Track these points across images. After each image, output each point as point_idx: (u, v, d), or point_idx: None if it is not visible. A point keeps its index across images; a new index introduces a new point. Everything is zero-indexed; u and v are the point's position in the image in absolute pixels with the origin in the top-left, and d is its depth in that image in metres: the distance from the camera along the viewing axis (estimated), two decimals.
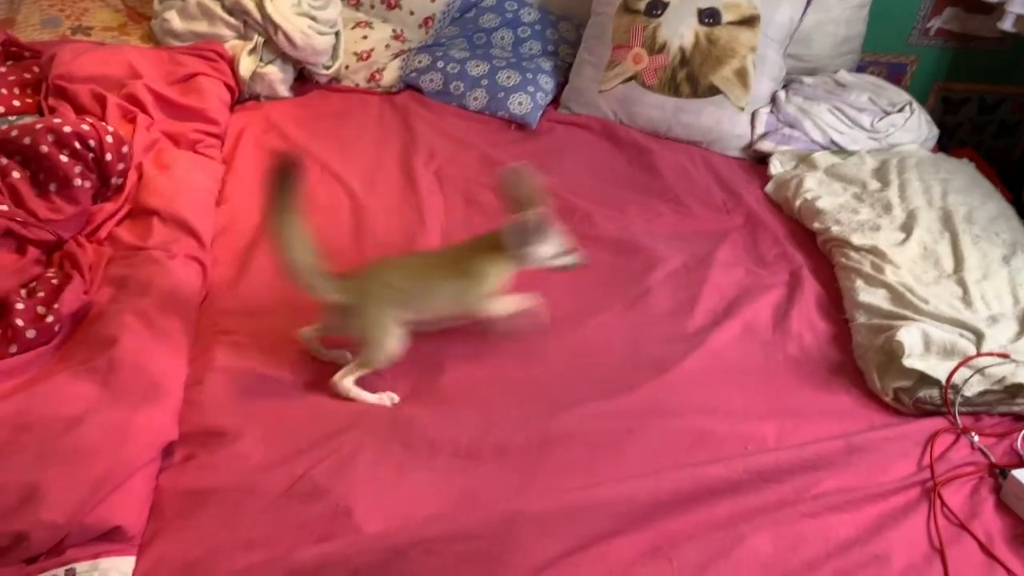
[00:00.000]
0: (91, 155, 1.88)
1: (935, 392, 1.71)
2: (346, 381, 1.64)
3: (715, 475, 1.53)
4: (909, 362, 1.70)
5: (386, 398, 1.66)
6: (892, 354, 1.73)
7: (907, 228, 2.12)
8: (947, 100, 3.12)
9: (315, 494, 1.44)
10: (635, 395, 1.70)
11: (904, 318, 1.81)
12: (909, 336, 1.72)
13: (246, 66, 2.43)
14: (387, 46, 2.68)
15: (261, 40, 2.46)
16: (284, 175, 1.53)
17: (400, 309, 1.64)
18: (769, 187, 2.39)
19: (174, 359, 1.62)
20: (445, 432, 1.59)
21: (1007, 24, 2.68)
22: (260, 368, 1.69)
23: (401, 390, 1.68)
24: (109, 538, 1.34)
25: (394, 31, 2.72)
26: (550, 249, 1.72)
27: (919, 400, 1.71)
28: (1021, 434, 1.68)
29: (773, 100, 2.59)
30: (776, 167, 2.43)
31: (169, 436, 1.49)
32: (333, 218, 2.11)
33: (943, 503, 1.54)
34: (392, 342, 1.64)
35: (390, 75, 2.63)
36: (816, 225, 2.18)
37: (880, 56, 2.99)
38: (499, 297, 1.73)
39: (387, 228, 2.09)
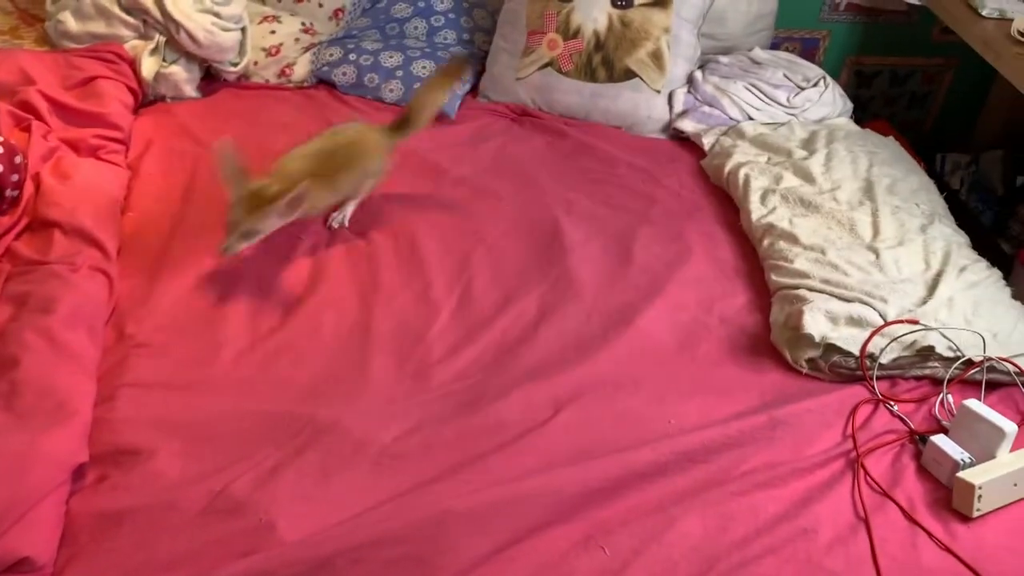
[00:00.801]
0: None
1: (849, 358, 1.74)
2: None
3: (643, 459, 1.54)
4: (822, 340, 1.73)
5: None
6: (797, 329, 1.76)
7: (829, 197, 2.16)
8: (859, 74, 3.18)
9: (235, 509, 1.40)
10: (559, 379, 1.70)
11: (809, 288, 1.84)
12: (814, 322, 1.74)
13: (148, 67, 2.33)
14: (296, 40, 2.61)
15: (163, 39, 2.36)
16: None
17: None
18: (705, 160, 2.41)
19: (81, 377, 1.55)
20: (370, 433, 1.56)
21: None
22: (174, 381, 1.64)
23: (324, 392, 1.64)
24: (17, 570, 1.28)
25: (303, 24, 2.65)
26: None
27: (834, 365, 1.75)
28: (937, 400, 1.73)
29: (690, 80, 2.60)
30: (708, 142, 2.44)
31: (78, 458, 1.43)
32: None
33: (866, 472, 1.57)
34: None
35: (301, 70, 2.57)
36: (740, 203, 2.20)
37: (793, 32, 3.03)
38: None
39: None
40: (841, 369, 1.75)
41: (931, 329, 1.77)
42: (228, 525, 1.38)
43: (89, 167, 2.03)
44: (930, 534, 1.48)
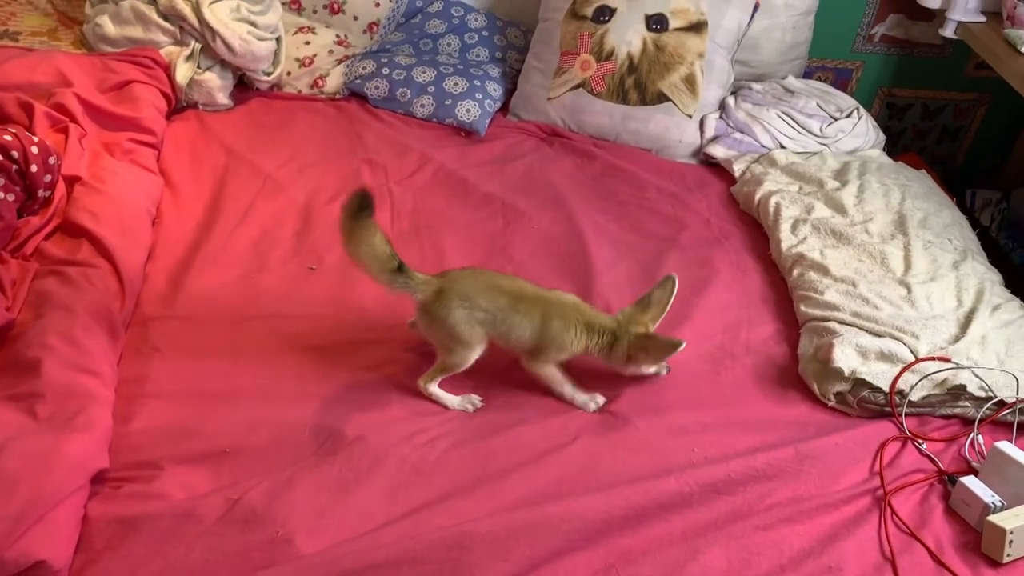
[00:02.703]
0: (15, 167, 1.79)
1: (878, 394, 1.71)
2: (431, 386, 1.65)
3: (667, 489, 1.52)
4: (851, 375, 1.71)
5: (468, 403, 1.66)
6: (827, 362, 1.74)
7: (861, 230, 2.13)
8: (891, 106, 3.16)
9: (253, 520, 1.40)
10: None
11: (839, 321, 1.82)
12: (844, 356, 1.72)
13: (183, 73, 2.34)
14: (330, 52, 2.62)
15: (198, 46, 2.38)
16: (359, 210, 1.53)
17: (478, 327, 1.61)
18: (735, 187, 2.39)
19: (101, 382, 1.54)
20: (390, 448, 1.54)
21: (948, 31, 2.72)
22: (196, 390, 1.63)
23: (347, 405, 1.63)
24: (33, 574, 1.27)
25: (337, 36, 2.66)
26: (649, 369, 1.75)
27: (863, 400, 1.72)
28: (968, 440, 1.70)
29: (722, 106, 2.59)
30: (739, 168, 2.42)
31: (98, 464, 1.42)
32: (277, 231, 2.05)
33: (893, 512, 1.54)
34: (468, 354, 1.63)
35: (334, 81, 2.57)
36: (770, 232, 2.18)
37: (827, 62, 3.02)
38: (557, 368, 1.69)
39: (332, 244, 2.02)
40: (869, 404, 1.73)
41: (963, 368, 1.74)
42: (245, 537, 1.37)
43: (124, 173, 2.04)
44: None
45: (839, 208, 2.20)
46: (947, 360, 1.75)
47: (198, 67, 2.39)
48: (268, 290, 1.88)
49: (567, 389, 1.69)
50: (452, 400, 1.66)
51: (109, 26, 2.38)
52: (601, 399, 1.70)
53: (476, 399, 1.68)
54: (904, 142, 3.22)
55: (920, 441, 1.68)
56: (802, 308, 1.92)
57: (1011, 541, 1.46)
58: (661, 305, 1.70)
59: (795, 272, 2.02)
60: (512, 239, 2.11)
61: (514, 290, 1.64)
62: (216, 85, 2.41)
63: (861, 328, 1.81)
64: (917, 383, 1.71)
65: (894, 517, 1.53)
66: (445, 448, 1.57)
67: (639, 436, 1.63)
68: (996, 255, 2.30)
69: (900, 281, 1.97)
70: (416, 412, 1.64)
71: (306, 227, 2.07)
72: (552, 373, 1.68)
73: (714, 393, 1.76)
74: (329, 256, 1.97)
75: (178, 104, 2.41)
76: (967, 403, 1.73)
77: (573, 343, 1.64)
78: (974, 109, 3.19)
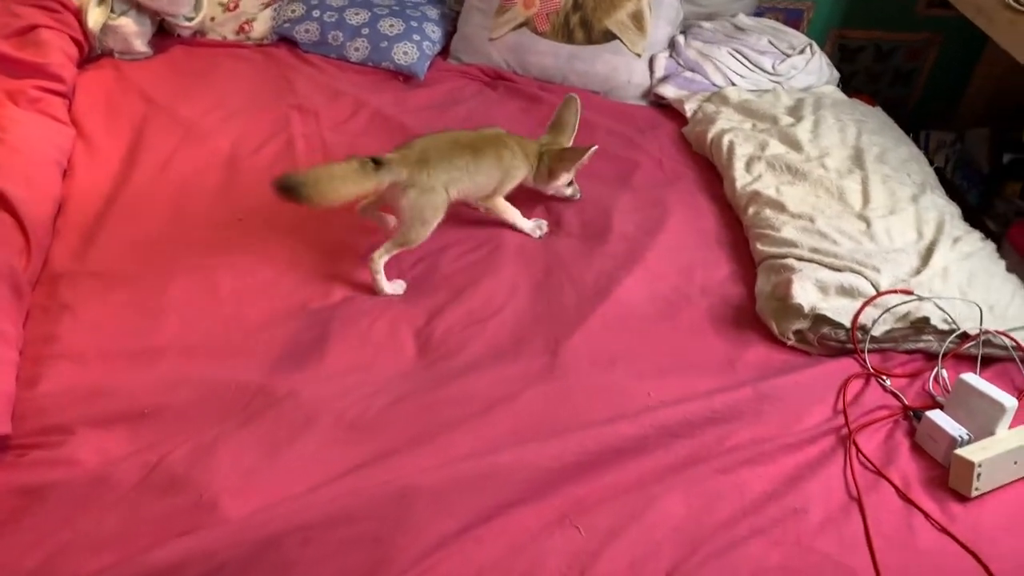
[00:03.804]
0: None
1: (840, 330, 1.65)
2: (383, 259, 1.67)
3: (622, 433, 1.44)
4: (811, 311, 1.64)
5: (399, 287, 1.71)
6: (785, 299, 1.67)
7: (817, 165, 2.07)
8: (843, 48, 3.10)
9: (173, 485, 1.29)
10: (531, 350, 1.60)
11: (798, 257, 1.76)
12: (803, 291, 1.66)
13: (95, 18, 2.18)
14: None
15: None
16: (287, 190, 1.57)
17: (454, 188, 1.71)
18: (687, 128, 2.31)
19: (3, 342, 1.41)
20: (325, 403, 1.44)
21: None
22: (111, 349, 1.51)
23: (277, 360, 1.52)
24: None
25: None
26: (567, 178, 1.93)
27: (824, 337, 1.66)
28: (932, 375, 1.64)
29: (671, 45, 2.50)
30: (690, 108, 2.34)
31: None
32: (199, 182, 1.92)
33: (858, 450, 1.48)
34: (436, 223, 1.70)
35: (261, 26, 2.43)
36: (724, 171, 2.11)
37: (777, 2, 2.94)
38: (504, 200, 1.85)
39: (260, 193, 1.90)
40: (831, 341, 1.66)
41: (926, 299, 1.68)
42: (164, 502, 1.27)
43: (29, 123, 1.89)
44: (926, 514, 1.39)
45: (794, 144, 2.14)
46: (909, 292, 1.70)
47: (111, 11, 2.23)
48: (191, 243, 1.76)
49: (518, 218, 1.86)
50: (387, 285, 1.69)
51: None
52: (545, 224, 1.89)
53: (403, 283, 1.72)
54: (856, 85, 3.16)
55: (884, 377, 1.62)
56: (758, 246, 1.85)
57: (979, 475, 1.41)
58: (571, 125, 1.92)
59: (750, 210, 1.95)
60: None
61: (467, 141, 1.77)
62: (132, 31, 2.25)
63: (820, 264, 1.75)
64: (879, 317, 1.65)
65: (859, 455, 1.47)
66: (386, 403, 1.47)
67: (593, 382, 1.55)
68: (951, 195, 2.24)
69: (859, 216, 1.91)
70: (354, 366, 1.54)
71: (232, 177, 1.96)
72: (504, 205, 1.85)
73: (669, 336, 1.68)
74: (256, 206, 1.85)
75: (92, 52, 2.26)
76: (930, 337, 1.68)
77: (521, 169, 1.84)
78: (926, 50, 3.14)
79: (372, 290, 1.70)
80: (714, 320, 1.73)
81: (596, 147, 1.85)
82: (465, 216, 1.90)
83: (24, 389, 1.40)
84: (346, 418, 1.43)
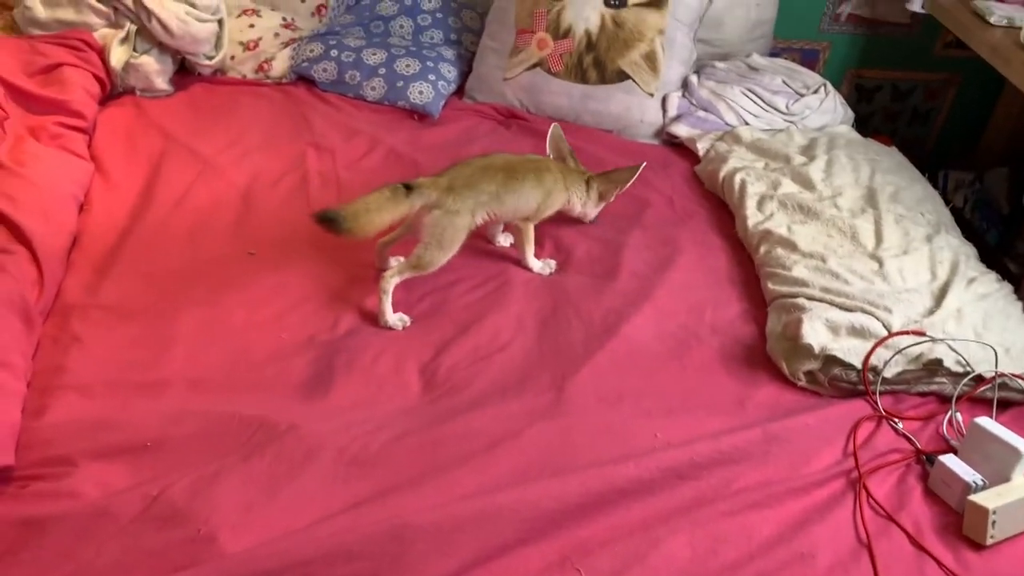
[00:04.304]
0: None
1: (851, 371, 1.63)
2: (394, 280, 1.68)
3: (626, 474, 1.41)
4: (821, 352, 1.62)
5: (401, 320, 1.69)
6: (795, 339, 1.65)
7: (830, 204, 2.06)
8: (860, 88, 3.09)
9: (173, 518, 1.28)
10: (537, 387, 1.59)
11: (808, 297, 1.74)
12: (813, 332, 1.64)
13: (117, 56, 2.23)
14: (276, 35, 2.51)
15: (133, 28, 2.26)
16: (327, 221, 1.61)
17: (480, 213, 1.74)
18: (699, 166, 2.31)
19: (11, 373, 1.42)
20: (327, 438, 1.43)
21: (916, 5, 2.66)
22: (118, 381, 1.52)
23: (280, 395, 1.52)
24: None
25: (284, 19, 2.55)
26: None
27: (835, 378, 1.63)
28: (945, 417, 1.61)
29: (685, 85, 2.50)
30: (703, 147, 2.34)
31: (2, 460, 1.29)
32: (215, 217, 1.94)
33: (869, 494, 1.45)
34: (457, 247, 1.72)
35: (280, 65, 2.46)
36: (735, 209, 2.10)
37: (792, 43, 2.95)
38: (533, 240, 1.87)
39: (273, 228, 1.92)
40: (842, 383, 1.63)
41: (939, 341, 1.65)
42: (164, 535, 1.26)
43: (48, 158, 1.92)
44: (939, 562, 1.35)
45: (807, 183, 2.12)
46: (922, 334, 1.67)
47: (134, 50, 2.28)
48: (202, 277, 1.77)
49: (531, 253, 1.87)
50: (390, 313, 1.68)
51: (39, 8, 2.26)
52: (553, 264, 1.89)
53: (407, 319, 1.71)
54: (874, 125, 3.15)
55: (896, 420, 1.59)
56: (769, 285, 1.84)
57: (994, 522, 1.37)
58: (569, 151, 1.99)
59: (762, 249, 1.94)
60: None
61: (502, 164, 1.80)
62: (154, 69, 2.29)
63: (831, 303, 1.73)
64: (891, 358, 1.62)
65: (870, 500, 1.44)
66: (389, 438, 1.46)
67: (598, 421, 1.53)
68: (970, 237, 2.21)
69: (871, 255, 1.89)
70: (358, 401, 1.54)
71: (247, 212, 1.97)
72: (531, 235, 1.86)
73: (678, 375, 1.67)
74: (269, 241, 1.87)
75: (114, 90, 2.30)
76: (944, 379, 1.65)
77: (563, 194, 1.90)
78: (944, 90, 3.13)
79: (377, 324, 1.69)
80: (724, 359, 1.71)
81: (645, 164, 1.98)
82: (475, 250, 1.90)
83: (30, 420, 1.41)
84: (348, 454, 1.41)
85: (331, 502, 1.34)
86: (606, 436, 1.50)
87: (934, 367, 1.63)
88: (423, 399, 1.56)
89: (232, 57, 2.46)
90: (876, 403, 1.61)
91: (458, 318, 1.74)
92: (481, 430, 1.48)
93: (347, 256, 1.83)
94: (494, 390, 1.57)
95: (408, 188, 1.65)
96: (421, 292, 1.79)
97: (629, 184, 1.98)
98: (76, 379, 1.50)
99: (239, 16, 2.51)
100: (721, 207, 2.19)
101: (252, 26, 2.50)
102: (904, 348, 1.63)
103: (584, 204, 1.95)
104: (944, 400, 1.64)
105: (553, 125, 2.02)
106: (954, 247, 1.95)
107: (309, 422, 1.45)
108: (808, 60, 2.96)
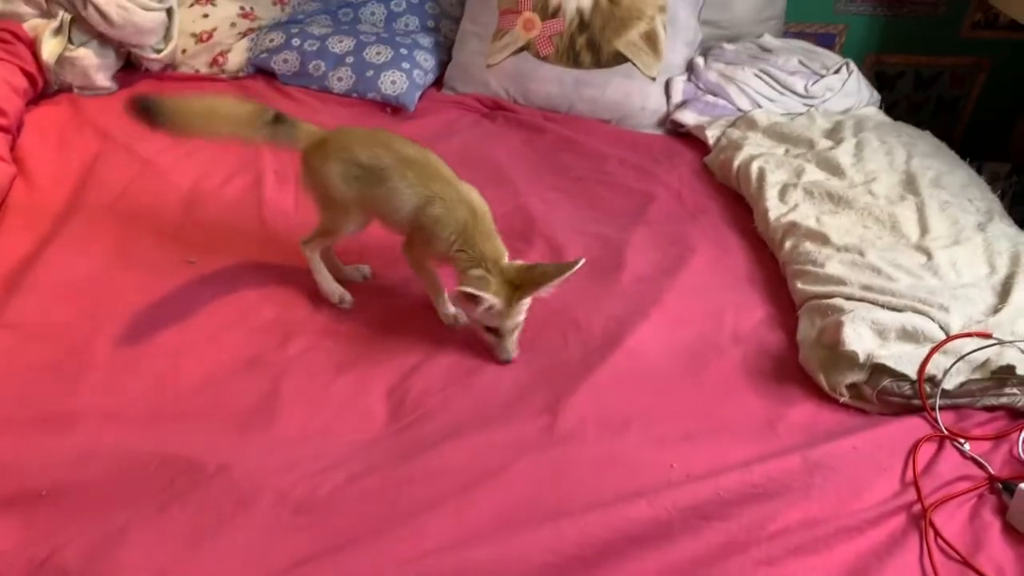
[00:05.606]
0: None
1: (904, 383, 1.41)
2: (307, 248, 1.54)
3: (637, 516, 1.21)
4: (867, 360, 1.40)
5: (340, 296, 1.54)
6: (835, 347, 1.43)
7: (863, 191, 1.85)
8: (881, 75, 2.89)
9: None
10: (526, 412, 1.38)
11: (847, 296, 1.53)
12: (857, 337, 1.43)
13: (50, 49, 2.02)
14: (232, 24, 2.30)
15: (68, 17, 2.05)
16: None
17: (355, 183, 1.47)
18: (709, 157, 2.12)
19: None
20: (265, 479, 1.21)
21: None
22: (16, 416, 1.30)
23: (211, 429, 1.27)
24: None
25: (241, 8, 2.34)
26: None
27: (884, 391, 1.41)
28: (1021, 436, 1.39)
29: (690, 68, 2.30)
30: (713, 135, 2.14)
31: None
32: (150, 221, 1.73)
33: (937, 533, 1.24)
34: (342, 217, 1.51)
35: (236, 58, 2.26)
36: (753, 201, 1.90)
37: (806, 26, 2.76)
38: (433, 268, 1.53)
39: (218, 233, 1.70)
40: (893, 397, 1.42)
41: (1008, 344, 1.43)
42: None
43: None
44: None
45: (835, 169, 1.93)
46: (987, 336, 1.46)
47: (70, 42, 2.07)
48: (130, 291, 1.55)
49: (439, 298, 1.53)
50: (325, 283, 1.54)
51: None
52: (464, 319, 1.52)
53: (348, 298, 1.54)
54: (897, 115, 2.91)
55: (961, 440, 1.39)
56: (799, 285, 1.62)
57: None
58: (546, 278, 1.41)
59: (787, 244, 1.73)
60: None
61: (408, 156, 1.47)
62: (92, 64, 2.08)
63: (874, 303, 1.51)
64: (952, 367, 1.40)
65: (938, 539, 1.24)
66: (344, 478, 1.24)
67: (600, 451, 1.32)
68: None
69: (917, 247, 1.69)
70: (307, 433, 1.32)
71: (188, 217, 1.78)
72: (429, 273, 1.52)
73: (695, 394, 1.46)
74: (212, 248, 1.67)
75: (49, 87, 2.09)
76: (1015, 390, 1.43)
77: (442, 243, 1.42)
78: (972, 76, 2.91)
79: (335, 341, 1.45)
80: (749, 373, 1.51)
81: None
82: None
83: None
84: (291, 499, 1.20)
85: (269, 560, 1.12)
86: (610, 469, 1.29)
87: (1004, 375, 1.41)
88: (388, 429, 1.35)
89: (184, 50, 2.28)
90: (936, 420, 1.40)
91: (432, 332, 1.51)
92: (458, 466, 1.28)
93: (301, 265, 1.59)
94: (474, 417, 1.36)
95: (280, 121, 1.49)
96: (388, 302, 1.57)
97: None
98: None
99: (191, 5, 2.33)
100: (736, 200, 2.00)
101: (206, 16, 2.30)
102: (967, 353, 1.42)
103: (464, 281, 1.40)
104: (1016, 415, 1.44)
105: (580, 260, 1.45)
106: (1011, 236, 1.76)
107: (245, 460, 1.24)
108: (823, 45, 2.75)
